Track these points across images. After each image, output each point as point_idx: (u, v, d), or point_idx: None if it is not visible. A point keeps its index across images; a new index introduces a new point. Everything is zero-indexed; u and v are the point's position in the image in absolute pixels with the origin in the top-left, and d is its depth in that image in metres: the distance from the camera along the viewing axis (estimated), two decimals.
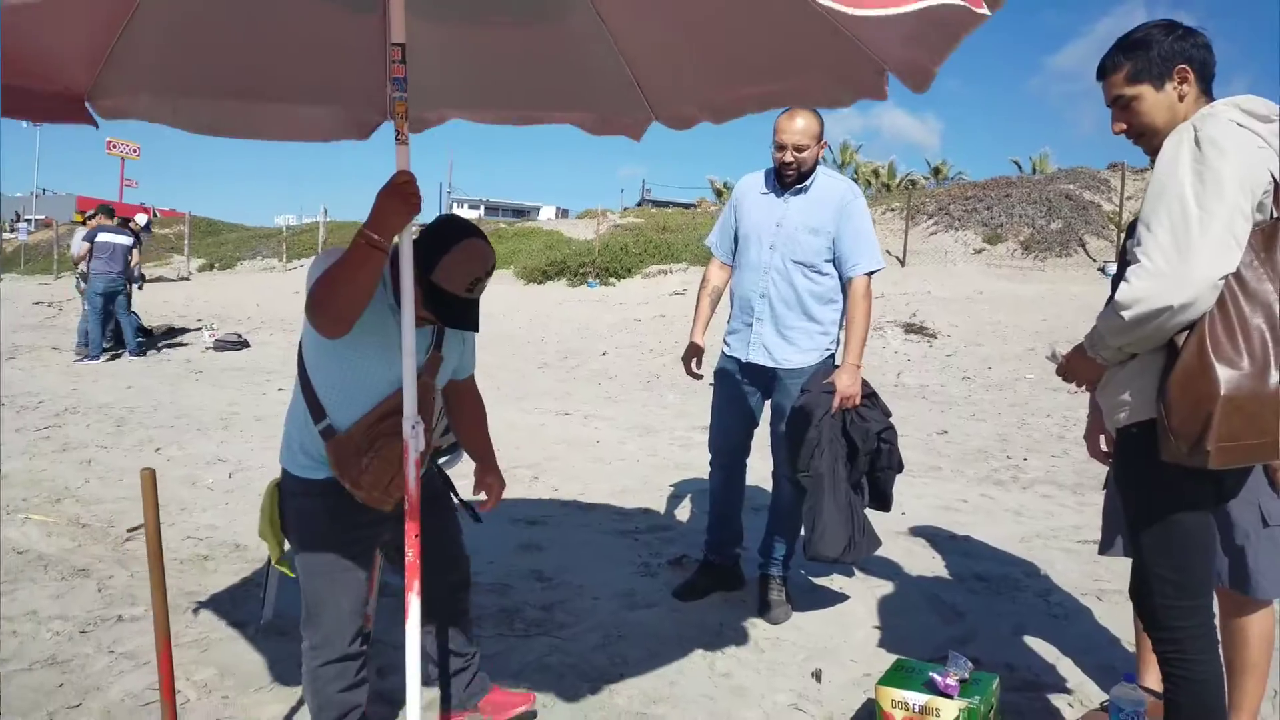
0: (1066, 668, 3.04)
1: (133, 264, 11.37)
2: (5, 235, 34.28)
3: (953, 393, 9.22)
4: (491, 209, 65.64)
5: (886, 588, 3.78)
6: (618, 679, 2.93)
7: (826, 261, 3.31)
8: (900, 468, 3.36)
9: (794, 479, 3.30)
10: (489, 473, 2.58)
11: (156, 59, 2.21)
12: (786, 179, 3.32)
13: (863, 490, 3.33)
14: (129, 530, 4.30)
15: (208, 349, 11.92)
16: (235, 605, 3.46)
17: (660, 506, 4.96)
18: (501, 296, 16.96)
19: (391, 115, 2.19)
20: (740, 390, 3.51)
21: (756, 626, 3.38)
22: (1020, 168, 31.71)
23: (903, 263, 15.96)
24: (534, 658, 3.06)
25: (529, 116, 2.78)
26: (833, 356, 3.43)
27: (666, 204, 44.23)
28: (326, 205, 28.25)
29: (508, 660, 3.04)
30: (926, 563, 4.13)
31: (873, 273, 3.33)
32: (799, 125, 3.24)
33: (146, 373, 9.92)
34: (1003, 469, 6.08)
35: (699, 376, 3.62)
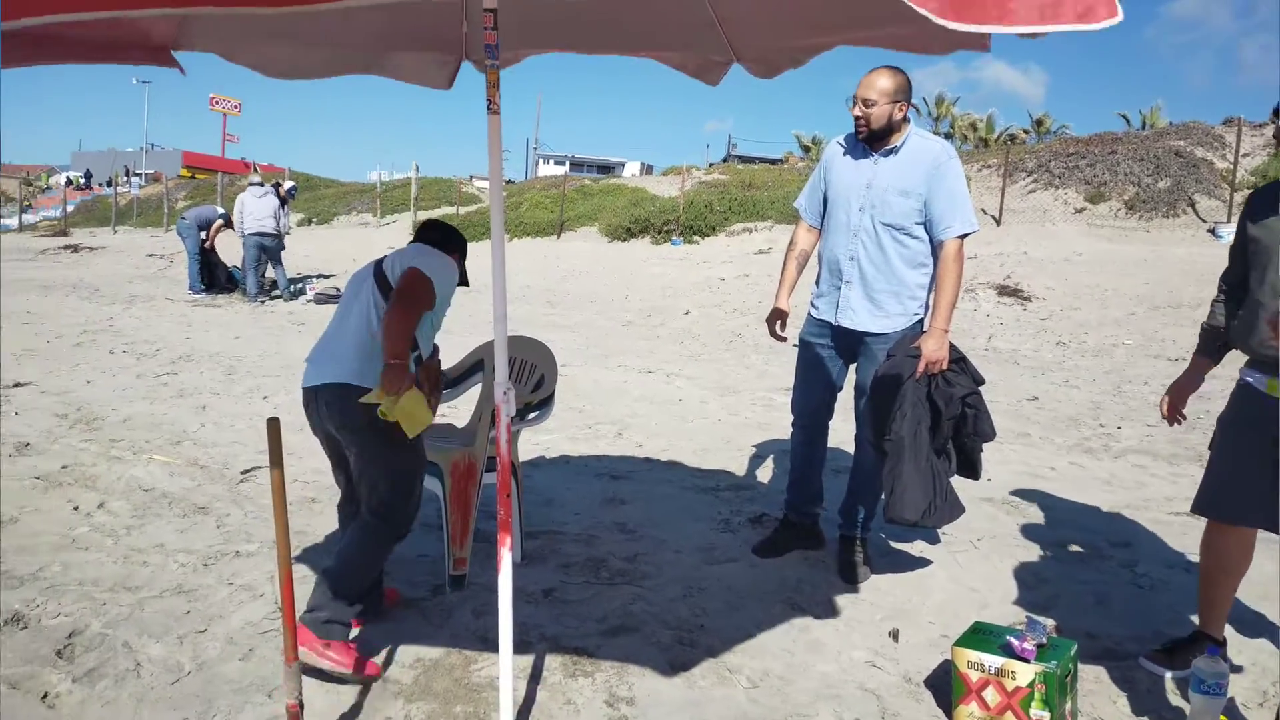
0: (1149, 638, 3.02)
1: (280, 220, 12.43)
2: (119, 189, 35.98)
3: (1046, 358, 8.98)
4: (576, 165, 65.72)
5: (968, 553, 3.80)
6: (698, 629, 3.05)
7: (917, 224, 3.29)
8: (989, 435, 3.33)
9: (876, 443, 3.33)
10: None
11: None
12: (860, 134, 3.31)
13: (949, 457, 3.32)
14: (242, 472, 4.60)
15: (309, 301, 12.45)
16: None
17: (741, 465, 5.04)
18: (586, 254, 17.13)
19: (480, 69, 2.23)
20: (825, 354, 3.54)
21: (834, 585, 3.45)
22: (1128, 122, 30.16)
23: (998, 222, 15.46)
24: (619, 605, 3.20)
25: (604, 47, 2.80)
26: (921, 322, 3.41)
27: (752, 159, 43.61)
28: (418, 161, 28.78)
29: (594, 606, 3.18)
30: (1010, 530, 4.11)
31: (966, 235, 3.29)
32: (871, 80, 3.22)
33: (253, 324, 10.43)
34: (1094, 437, 5.94)
35: (783, 339, 3.66)
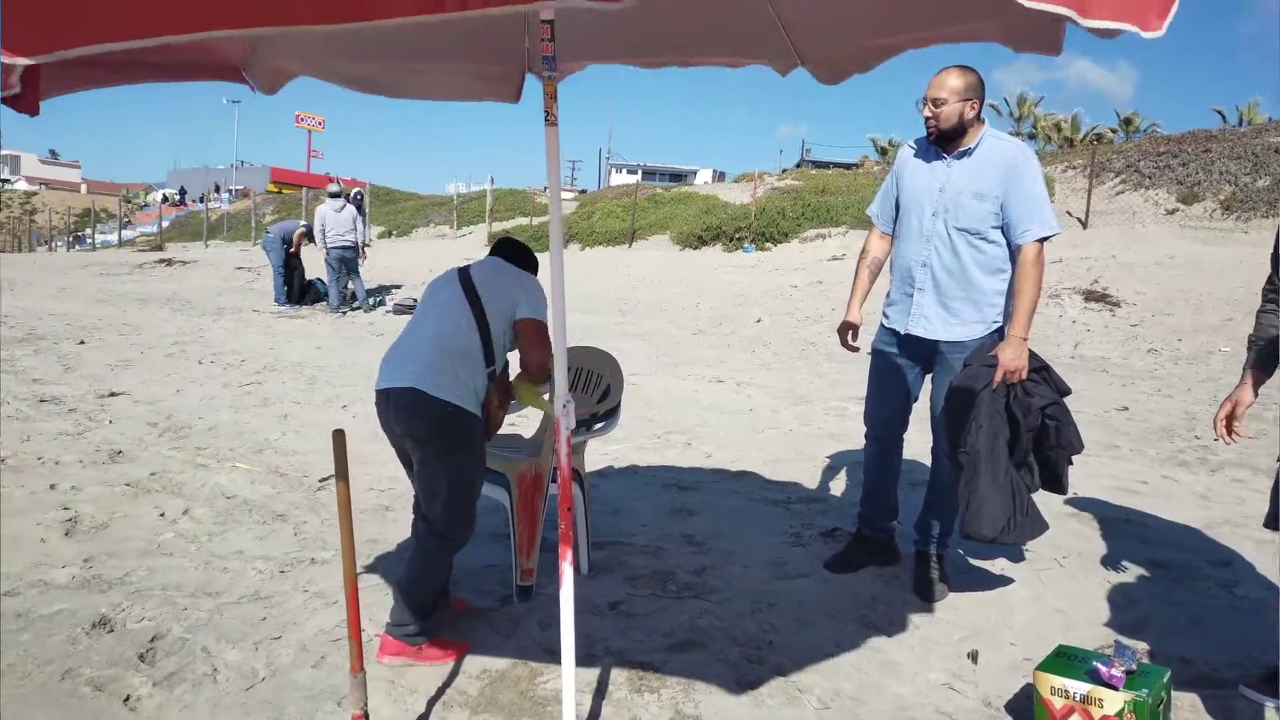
0: (1249, 665, 2.84)
1: (359, 232, 12.69)
2: (210, 204, 37.55)
3: (1136, 366, 8.61)
4: (649, 173, 66.06)
5: (1052, 571, 3.64)
6: (767, 645, 2.98)
7: (994, 228, 3.17)
8: (1075, 448, 3.17)
9: (951, 456, 3.21)
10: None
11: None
12: (930, 135, 3.21)
13: (1031, 470, 3.19)
14: (320, 480, 4.70)
15: (388, 312, 12.76)
16: None
17: (813, 477, 4.94)
18: (658, 262, 17.14)
19: (539, 82, 2.24)
20: (898, 363, 3.44)
21: (910, 603, 3.34)
22: (1224, 118, 28.83)
23: (1084, 224, 14.92)
24: (685, 619, 3.15)
25: (665, 57, 2.78)
26: (1001, 330, 3.28)
27: (827, 164, 43.11)
28: (493, 173, 29.30)
29: (660, 619, 3.14)
30: (1098, 547, 3.93)
31: (1045, 239, 3.16)
32: (940, 79, 3.13)
33: (334, 334, 10.71)
34: (1189, 449, 5.66)
35: (855, 349, 3.57)
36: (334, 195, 12.79)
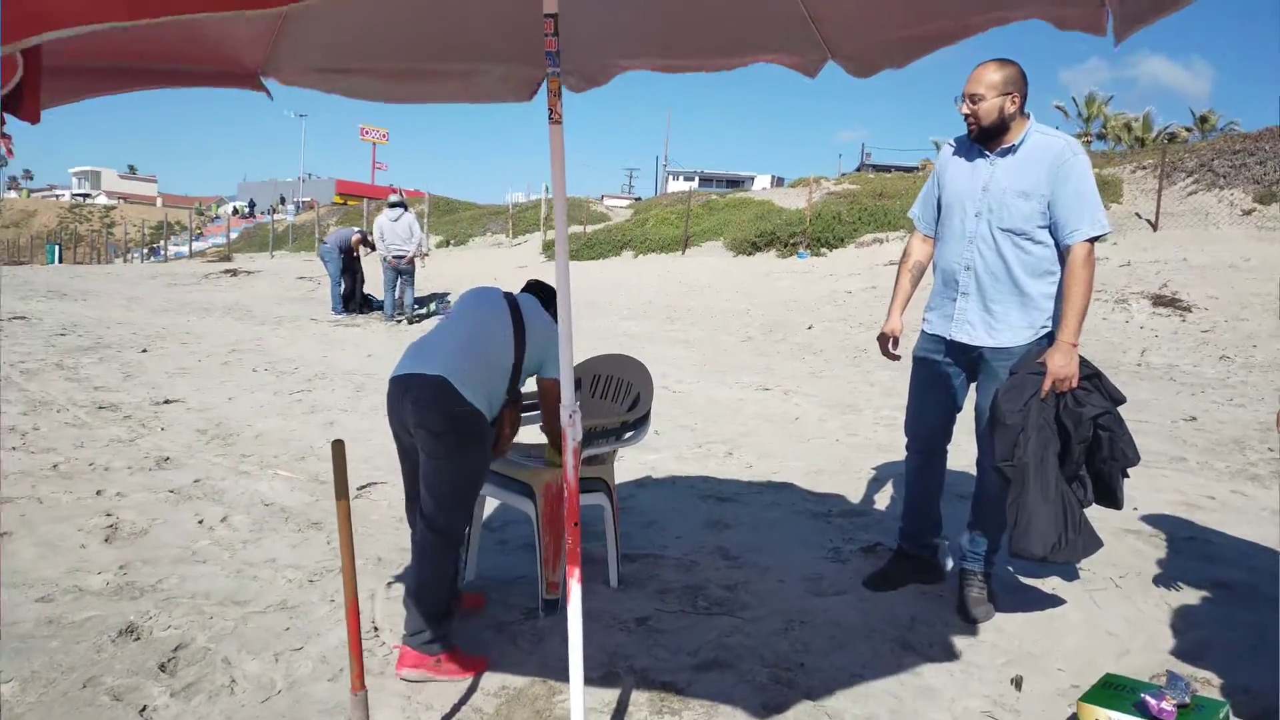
0: None
1: (414, 241, 12.85)
2: (276, 216, 38.60)
3: (1207, 374, 8.22)
4: (705, 180, 65.98)
5: (1107, 591, 3.44)
6: (797, 667, 2.86)
7: (1040, 228, 3.01)
8: (1130, 460, 2.98)
9: (998, 469, 3.05)
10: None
11: (323, 34, 2.36)
12: (970, 133, 3.06)
13: (1083, 484, 3.01)
14: (358, 488, 4.71)
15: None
16: None
17: (857, 489, 4.78)
18: (710, 269, 17.02)
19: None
20: (941, 371, 3.29)
21: (952, 625, 3.18)
22: None
23: (1154, 226, 14.36)
24: (714, 636, 3.05)
25: (692, 57, 2.72)
26: (1050, 335, 3.10)
27: (887, 168, 42.51)
28: (548, 182, 29.54)
29: (688, 637, 3.04)
30: (1157, 566, 3.71)
31: (1096, 239, 2.99)
32: (978, 74, 2.99)
33: (386, 341, 10.84)
34: (1262, 462, 5.34)
35: (897, 358, 3.43)
36: (393, 205, 12.98)
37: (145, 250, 41.15)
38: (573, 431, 2.08)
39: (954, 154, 3.22)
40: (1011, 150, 3.04)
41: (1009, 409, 2.95)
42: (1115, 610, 3.29)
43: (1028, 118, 3.05)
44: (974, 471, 3.40)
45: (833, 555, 3.82)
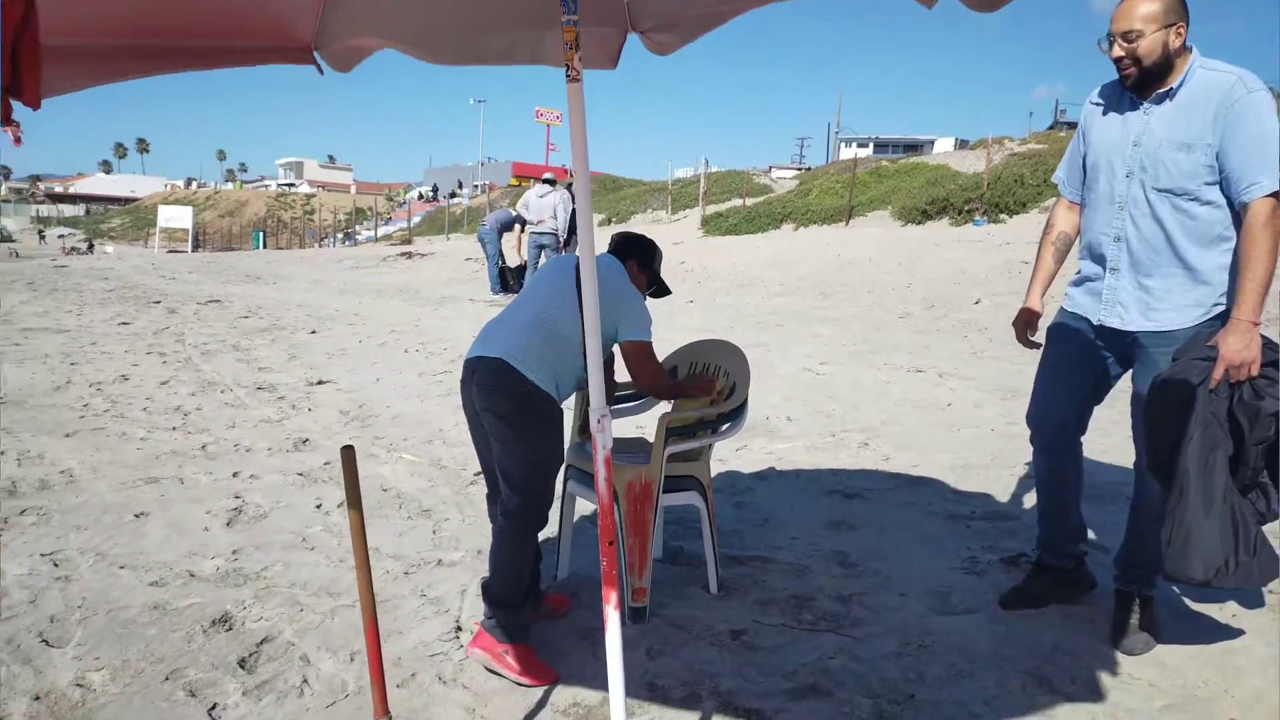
0: None
1: (560, 220, 12.66)
2: (454, 200, 40.41)
3: None
4: (880, 146, 63.37)
5: None
6: (907, 700, 2.51)
7: (1208, 185, 2.46)
8: None
9: (1156, 475, 2.55)
10: None
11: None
12: (1126, 80, 2.52)
13: (1264, 494, 2.47)
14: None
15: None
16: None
17: (1007, 489, 4.27)
18: (874, 240, 16.19)
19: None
20: (1081, 354, 2.81)
21: (1102, 656, 2.72)
22: None
23: None
24: (815, 657, 2.74)
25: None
26: (1224, 314, 2.55)
27: None
28: (709, 156, 29.24)
29: (786, 656, 2.75)
30: None
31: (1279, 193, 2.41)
32: (1127, 8, 2.46)
33: None
34: None
35: (1036, 346, 2.97)
36: (545, 182, 13.09)
37: (340, 235, 44.16)
38: (602, 439, 1.84)
39: (1100, 105, 2.69)
40: (1169, 95, 2.50)
41: (1170, 403, 2.45)
42: None
43: (1190, 51, 2.49)
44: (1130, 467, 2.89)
45: (967, 566, 3.40)
